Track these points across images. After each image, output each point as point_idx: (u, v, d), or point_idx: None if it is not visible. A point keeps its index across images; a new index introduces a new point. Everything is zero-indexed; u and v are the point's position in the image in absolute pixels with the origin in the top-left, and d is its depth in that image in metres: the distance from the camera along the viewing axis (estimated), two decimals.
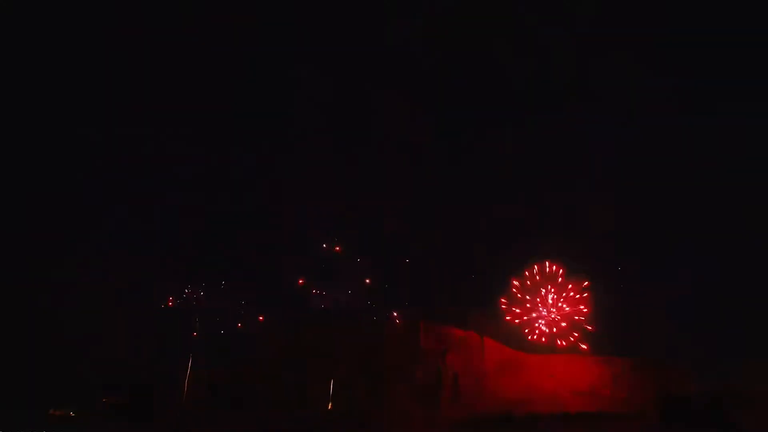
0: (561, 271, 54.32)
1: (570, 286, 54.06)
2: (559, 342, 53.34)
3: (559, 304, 54.17)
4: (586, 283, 53.75)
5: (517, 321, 54.52)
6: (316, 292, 59.83)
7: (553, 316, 54.05)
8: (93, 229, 60.50)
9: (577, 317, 53.53)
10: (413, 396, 47.05)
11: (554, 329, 53.64)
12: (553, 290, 54.35)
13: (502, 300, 55.08)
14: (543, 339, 53.75)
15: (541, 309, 54.39)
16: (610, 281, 55.47)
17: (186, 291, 58.01)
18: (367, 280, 60.41)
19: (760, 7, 62.30)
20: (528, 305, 54.65)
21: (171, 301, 57.81)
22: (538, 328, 54.09)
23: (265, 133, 71.38)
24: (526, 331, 54.07)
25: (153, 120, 65.61)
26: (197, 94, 66.85)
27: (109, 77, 66.58)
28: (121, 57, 66.78)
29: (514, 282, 55.31)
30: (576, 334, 53.05)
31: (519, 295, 55.08)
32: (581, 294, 53.83)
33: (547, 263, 54.64)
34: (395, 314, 58.35)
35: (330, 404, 48.24)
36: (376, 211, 62.76)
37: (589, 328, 52.95)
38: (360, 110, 69.60)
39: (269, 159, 68.28)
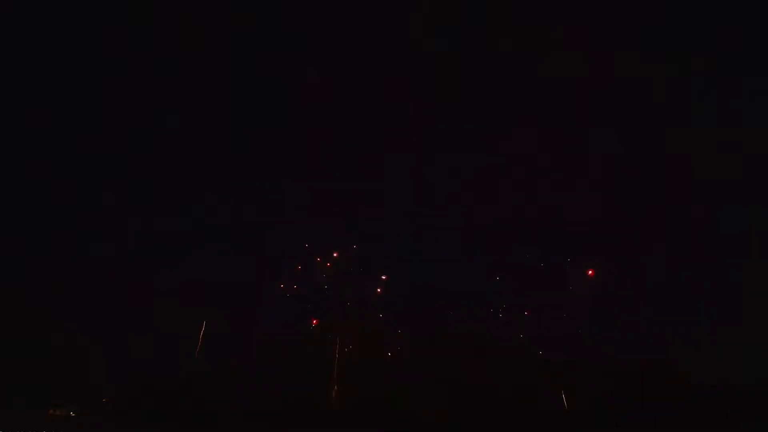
0: None
1: None
2: None
3: None
4: None
5: None
6: None
7: None
8: (92, 228, 60.56)
9: None
10: None
11: None
12: None
13: None
14: None
15: None
16: None
17: None
18: None
19: (760, 7, 62.21)
20: None
21: None
22: None
23: (264, 132, 71.49)
24: None
25: (152, 119, 65.69)
26: (197, 94, 66.86)
27: (109, 77, 66.59)
28: (121, 57, 66.78)
29: None
30: None
31: None
32: None
33: None
34: None
35: None
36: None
37: None
38: (360, 109, 69.71)
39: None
